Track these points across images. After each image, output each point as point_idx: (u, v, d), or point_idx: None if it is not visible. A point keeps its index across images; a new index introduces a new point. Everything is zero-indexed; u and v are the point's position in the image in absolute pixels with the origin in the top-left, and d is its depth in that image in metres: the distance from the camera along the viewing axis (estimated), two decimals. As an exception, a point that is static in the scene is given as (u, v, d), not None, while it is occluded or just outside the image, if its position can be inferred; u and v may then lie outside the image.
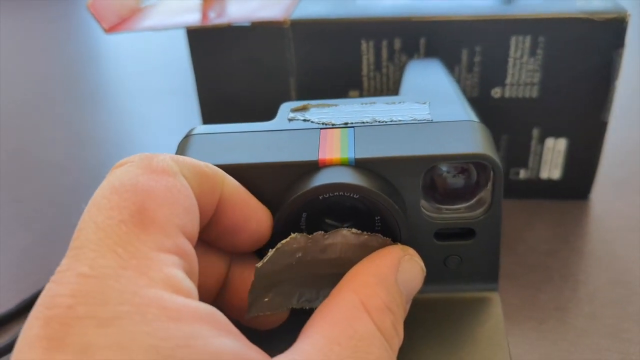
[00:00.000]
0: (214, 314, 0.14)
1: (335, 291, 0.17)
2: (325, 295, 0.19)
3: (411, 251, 0.19)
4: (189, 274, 0.15)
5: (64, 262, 0.14)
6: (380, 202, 0.19)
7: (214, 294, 0.19)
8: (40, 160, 0.41)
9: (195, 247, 0.19)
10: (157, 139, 0.43)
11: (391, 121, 0.21)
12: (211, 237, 0.19)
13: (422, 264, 0.19)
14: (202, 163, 0.18)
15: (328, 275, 0.19)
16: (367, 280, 0.17)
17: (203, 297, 0.19)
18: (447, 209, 0.20)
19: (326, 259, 0.19)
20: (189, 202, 0.16)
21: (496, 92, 0.31)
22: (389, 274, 0.17)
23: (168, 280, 0.14)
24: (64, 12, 0.69)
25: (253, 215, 0.19)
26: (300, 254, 0.19)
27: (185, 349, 0.12)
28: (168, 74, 0.53)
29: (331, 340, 0.15)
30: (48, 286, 0.13)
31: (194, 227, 0.16)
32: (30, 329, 0.13)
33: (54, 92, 0.52)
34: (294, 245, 0.19)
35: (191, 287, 0.14)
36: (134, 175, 0.15)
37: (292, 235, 0.19)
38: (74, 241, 0.14)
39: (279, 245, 0.18)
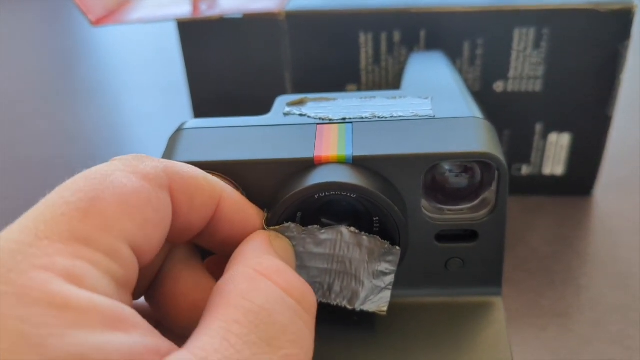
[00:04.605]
0: (115, 308, 0.13)
1: (224, 275, 0.15)
2: (317, 288, 0.19)
3: (273, 232, 0.18)
4: (118, 281, 0.14)
5: None
6: (378, 203, 0.18)
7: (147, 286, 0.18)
8: (26, 157, 0.40)
9: None
10: (148, 135, 0.42)
11: (391, 117, 0.20)
12: (208, 245, 0.18)
13: (288, 241, 0.18)
14: (201, 175, 0.17)
15: (319, 269, 0.19)
16: (252, 255, 0.16)
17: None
18: (449, 210, 0.20)
19: (320, 253, 0.19)
20: (155, 217, 0.15)
21: (498, 86, 0.30)
22: (268, 248, 0.17)
23: (73, 270, 0.12)
24: (52, 5, 0.68)
25: (250, 224, 0.18)
26: (294, 243, 0.18)
27: (60, 338, 0.11)
28: (160, 67, 0.51)
29: (228, 322, 0.13)
30: None
31: (150, 242, 0.15)
32: None
33: (41, 87, 0.50)
34: (286, 234, 0.18)
35: (101, 285, 0.13)
36: (113, 169, 0.15)
37: (286, 224, 0.18)
38: None
39: (270, 229, 0.18)
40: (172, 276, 0.17)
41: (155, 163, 0.16)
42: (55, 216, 0.13)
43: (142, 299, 0.18)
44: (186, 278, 0.17)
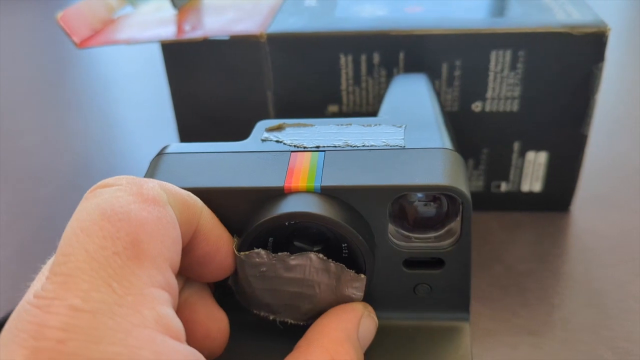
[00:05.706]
0: (199, 359, 0.14)
1: (304, 344, 0.17)
2: (289, 310, 0.20)
3: (369, 308, 0.19)
4: (174, 309, 0.15)
5: (50, 287, 0.13)
6: (344, 232, 0.19)
7: None
8: (14, 170, 0.40)
9: None
10: (134, 148, 0.42)
11: (363, 146, 0.21)
12: (182, 266, 0.18)
13: (376, 320, 0.20)
14: (184, 192, 0.18)
15: (291, 292, 0.20)
16: (336, 337, 0.17)
17: None
18: (416, 238, 0.20)
19: (291, 277, 0.19)
20: (176, 234, 0.16)
21: (477, 106, 0.30)
22: (353, 330, 0.18)
23: (160, 320, 0.13)
24: (40, 15, 0.68)
25: (222, 247, 0.19)
26: (264, 269, 0.19)
27: None
28: (150, 79, 0.52)
29: None
30: (32, 311, 0.13)
31: (178, 259, 0.16)
32: (13, 358, 0.12)
33: (29, 98, 0.51)
34: (257, 259, 0.19)
35: (180, 327, 0.14)
36: (125, 202, 0.15)
37: (256, 249, 0.19)
38: (60, 266, 0.14)
39: (241, 254, 0.19)
40: (187, 307, 0.18)
41: (152, 184, 0.16)
42: (116, 270, 0.14)
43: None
44: (200, 309, 0.19)
